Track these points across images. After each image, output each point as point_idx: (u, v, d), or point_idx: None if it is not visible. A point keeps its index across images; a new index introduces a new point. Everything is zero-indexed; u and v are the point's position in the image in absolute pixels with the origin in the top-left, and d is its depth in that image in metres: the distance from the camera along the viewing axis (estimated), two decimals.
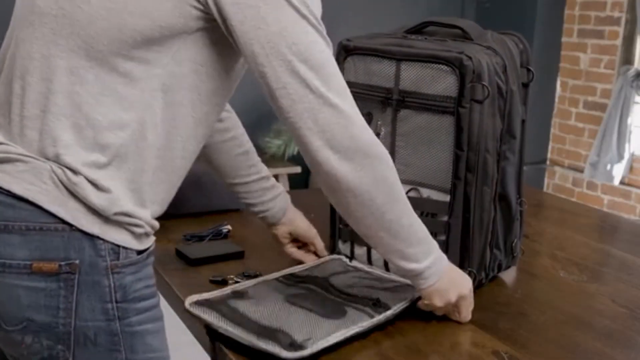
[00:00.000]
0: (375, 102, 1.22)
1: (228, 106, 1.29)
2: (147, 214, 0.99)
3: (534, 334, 1.08)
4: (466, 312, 1.11)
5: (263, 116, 4.36)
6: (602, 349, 1.05)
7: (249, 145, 1.30)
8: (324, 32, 0.95)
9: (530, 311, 1.17)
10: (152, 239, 1.03)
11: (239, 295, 1.09)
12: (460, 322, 1.10)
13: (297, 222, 1.32)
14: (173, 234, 1.43)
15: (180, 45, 0.93)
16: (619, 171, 4.25)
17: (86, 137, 0.92)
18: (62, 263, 0.91)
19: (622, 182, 4.30)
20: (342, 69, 1.26)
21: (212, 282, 1.21)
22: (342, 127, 0.95)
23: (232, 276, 1.22)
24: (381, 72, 1.20)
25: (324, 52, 0.94)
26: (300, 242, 1.34)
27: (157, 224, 1.02)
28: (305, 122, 0.94)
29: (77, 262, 0.92)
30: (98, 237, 0.94)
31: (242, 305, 1.05)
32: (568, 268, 1.37)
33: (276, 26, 0.90)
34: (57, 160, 0.92)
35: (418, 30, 1.27)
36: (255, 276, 1.22)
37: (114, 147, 0.93)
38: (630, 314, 1.18)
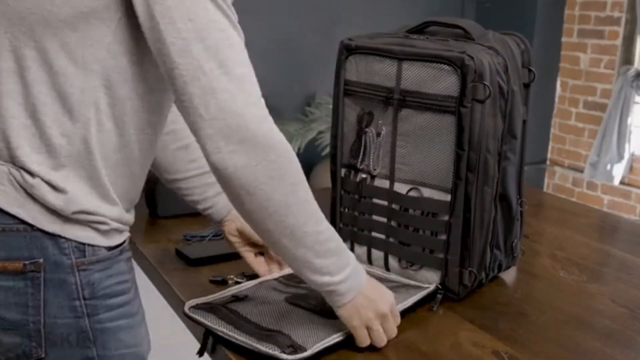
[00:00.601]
0: (377, 101, 1.22)
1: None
2: (114, 210, 0.98)
3: (534, 334, 1.08)
4: (391, 331, 1.03)
5: None
6: (602, 349, 1.05)
7: (189, 139, 1.22)
8: (230, 12, 0.90)
9: (530, 311, 1.17)
10: (125, 235, 1.02)
11: (238, 298, 1.09)
12: (378, 346, 1.00)
13: None
14: (173, 234, 1.43)
15: (113, 37, 0.90)
16: (619, 171, 4.25)
17: (36, 139, 0.92)
18: (27, 262, 0.92)
19: (622, 182, 4.30)
20: (343, 68, 1.26)
21: (212, 282, 1.21)
22: (236, 115, 0.87)
23: (232, 276, 1.22)
24: (382, 72, 1.20)
25: (225, 31, 0.88)
26: (259, 248, 1.24)
27: (129, 219, 1.02)
28: (197, 107, 0.87)
29: (41, 260, 0.93)
30: (60, 236, 0.94)
31: (242, 308, 1.05)
32: (568, 268, 1.37)
33: (173, 1, 0.85)
34: (13, 162, 0.92)
35: (419, 30, 1.27)
36: (255, 276, 1.22)
37: (64, 149, 0.92)
38: (630, 314, 1.18)
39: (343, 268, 0.98)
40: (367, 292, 1.00)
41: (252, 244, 1.22)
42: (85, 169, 0.94)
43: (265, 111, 0.92)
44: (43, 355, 0.96)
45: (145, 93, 0.96)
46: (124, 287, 1.01)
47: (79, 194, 0.94)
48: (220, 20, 0.88)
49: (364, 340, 1.00)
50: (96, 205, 0.96)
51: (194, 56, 0.86)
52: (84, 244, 0.96)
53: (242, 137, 0.88)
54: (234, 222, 1.21)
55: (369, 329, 1.00)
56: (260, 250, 1.24)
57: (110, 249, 0.99)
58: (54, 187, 0.92)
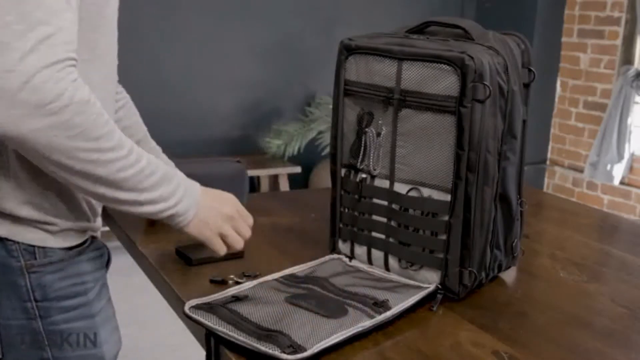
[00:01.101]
0: (377, 101, 1.22)
1: (123, 95, 1.24)
2: (65, 211, 0.98)
3: (534, 334, 1.08)
4: (244, 230, 1.04)
5: (263, 116, 4.36)
6: (602, 349, 1.05)
7: (142, 134, 1.23)
8: None
9: (530, 311, 1.17)
10: (84, 235, 1.01)
11: (238, 299, 1.09)
12: (238, 249, 1.01)
13: None
14: (173, 235, 1.43)
15: None
16: (619, 171, 4.25)
17: None
18: None
19: (622, 182, 4.30)
20: (343, 68, 1.26)
21: (212, 282, 1.21)
22: (5, 72, 0.78)
23: (232, 276, 1.22)
24: (382, 72, 1.20)
25: None
26: None
27: (86, 220, 1.02)
28: None
29: None
30: (7, 239, 0.94)
31: (242, 308, 1.05)
32: (568, 268, 1.37)
33: None
34: None
35: (419, 30, 1.27)
36: (255, 276, 1.22)
37: None
38: (630, 314, 1.18)
39: (175, 191, 0.96)
40: (206, 202, 1.00)
41: None
42: (6, 166, 0.94)
43: (52, 64, 0.81)
44: (1, 356, 0.97)
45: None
46: (81, 288, 1.00)
47: (10, 190, 0.94)
48: None
49: (220, 248, 1.02)
50: (38, 201, 0.95)
51: None
52: (33, 246, 0.95)
53: (17, 98, 0.79)
54: None
55: (222, 236, 1.01)
56: None
57: (66, 250, 0.98)
58: None
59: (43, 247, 0.97)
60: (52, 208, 0.97)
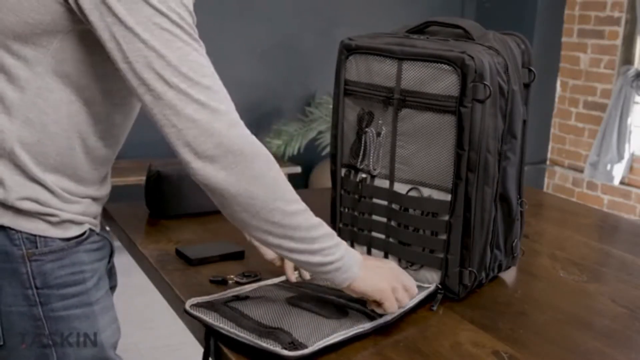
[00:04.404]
0: (377, 101, 1.22)
1: None
2: (63, 202, 1.02)
3: (534, 334, 1.08)
4: (412, 285, 1.06)
5: (263, 116, 4.36)
6: (602, 349, 1.05)
7: None
8: (188, 27, 0.92)
9: (530, 311, 1.17)
10: (84, 227, 1.06)
11: (239, 298, 1.09)
12: (387, 311, 1.03)
13: None
14: (173, 235, 1.43)
15: (60, 44, 0.94)
16: (619, 171, 4.25)
17: None
18: None
19: (622, 182, 4.30)
20: (343, 68, 1.26)
21: (212, 282, 1.21)
22: (204, 127, 0.90)
23: (232, 276, 1.22)
24: (383, 72, 1.20)
25: (182, 49, 0.91)
26: None
27: (91, 211, 1.06)
28: (166, 124, 0.90)
29: None
30: (10, 228, 0.99)
31: (243, 306, 1.05)
32: (568, 268, 1.37)
33: (131, 22, 0.88)
34: None
35: (420, 30, 1.27)
36: (255, 276, 1.22)
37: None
38: (630, 314, 1.18)
39: (338, 247, 1.00)
40: (368, 263, 1.04)
41: None
42: (15, 163, 0.98)
43: (234, 115, 0.94)
44: (2, 343, 1.01)
45: (91, 101, 1.00)
46: (79, 277, 1.04)
47: (14, 186, 0.98)
48: (178, 37, 0.91)
49: (393, 305, 1.03)
50: (38, 195, 0.99)
51: (158, 72, 0.89)
52: (34, 235, 1.00)
53: (215, 147, 0.90)
54: None
55: (393, 290, 1.03)
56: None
57: (65, 240, 1.02)
58: None
59: (44, 237, 1.01)
60: (53, 202, 1.01)
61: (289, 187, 0.97)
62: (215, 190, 0.93)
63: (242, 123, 0.94)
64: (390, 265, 1.08)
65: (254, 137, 0.95)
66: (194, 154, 0.90)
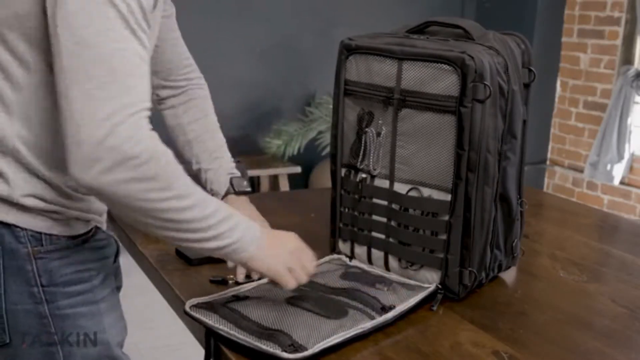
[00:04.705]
0: (377, 101, 1.22)
1: (192, 92, 1.36)
2: (70, 200, 1.01)
3: (534, 334, 1.08)
4: (309, 264, 1.06)
5: (263, 116, 4.36)
6: (602, 349, 1.05)
7: (195, 133, 1.32)
8: (133, 22, 0.87)
9: (530, 311, 1.17)
10: (90, 224, 1.06)
11: (239, 298, 1.09)
12: (301, 283, 1.03)
13: (241, 209, 1.19)
14: None
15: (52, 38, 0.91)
16: (619, 171, 4.25)
17: None
18: None
19: (622, 182, 4.30)
20: (343, 68, 1.26)
21: (212, 282, 1.21)
22: (75, 131, 0.85)
23: (232, 276, 1.22)
24: (383, 72, 1.20)
25: (120, 42, 0.85)
26: None
27: (96, 208, 1.06)
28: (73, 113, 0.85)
29: None
30: (15, 226, 0.98)
31: (243, 307, 1.05)
32: (568, 268, 1.37)
33: (75, 6, 0.84)
34: None
35: (420, 30, 1.27)
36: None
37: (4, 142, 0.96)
38: (630, 314, 1.18)
39: (235, 228, 0.97)
40: (268, 239, 1.02)
41: None
42: (19, 160, 0.98)
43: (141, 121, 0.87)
44: (8, 341, 1.00)
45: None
46: (85, 275, 1.04)
47: (19, 182, 0.98)
48: (118, 30, 0.86)
49: (290, 282, 1.03)
50: (43, 192, 0.99)
51: (83, 61, 0.85)
52: (40, 233, 1.00)
53: (104, 154, 0.84)
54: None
55: (290, 270, 1.02)
56: None
57: (71, 238, 1.02)
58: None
59: (49, 234, 1.00)
60: (58, 199, 1.01)
61: (182, 180, 0.92)
62: (102, 195, 0.88)
63: (141, 123, 0.88)
64: (290, 245, 1.05)
65: (148, 134, 0.88)
66: (73, 166, 0.86)
